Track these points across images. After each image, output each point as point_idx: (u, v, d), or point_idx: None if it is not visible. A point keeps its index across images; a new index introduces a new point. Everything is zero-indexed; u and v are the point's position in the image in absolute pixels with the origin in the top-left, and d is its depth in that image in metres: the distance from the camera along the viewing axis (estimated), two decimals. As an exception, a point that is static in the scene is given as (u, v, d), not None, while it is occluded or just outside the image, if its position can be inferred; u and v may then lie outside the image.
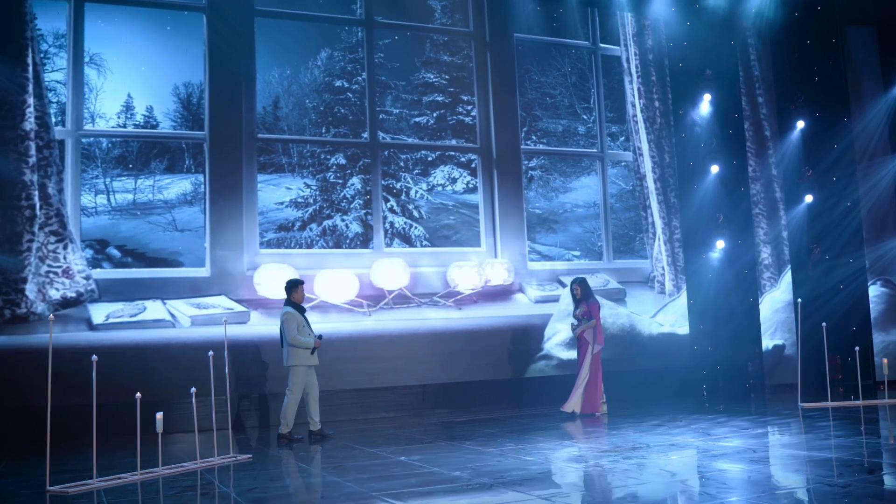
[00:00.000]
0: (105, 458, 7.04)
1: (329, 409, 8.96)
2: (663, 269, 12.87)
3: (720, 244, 12.25)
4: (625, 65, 13.10)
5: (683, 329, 12.68)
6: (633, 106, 13.05)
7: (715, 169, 12.27)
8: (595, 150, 12.91)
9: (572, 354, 12.02)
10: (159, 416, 6.62)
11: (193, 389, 7.09)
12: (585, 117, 12.88)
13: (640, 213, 12.97)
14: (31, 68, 9.90)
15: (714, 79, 12.50)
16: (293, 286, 8.93)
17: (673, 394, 11.76)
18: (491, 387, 11.53)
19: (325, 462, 7.28)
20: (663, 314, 12.77)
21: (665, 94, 13.12)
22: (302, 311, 8.87)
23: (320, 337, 8.80)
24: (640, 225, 12.96)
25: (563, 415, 9.77)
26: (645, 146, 12.99)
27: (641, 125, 13.02)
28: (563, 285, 12.16)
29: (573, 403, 9.77)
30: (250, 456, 7.45)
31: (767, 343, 12.55)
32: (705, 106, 12.45)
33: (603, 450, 7.00)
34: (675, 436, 7.69)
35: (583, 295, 10.02)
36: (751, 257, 12.46)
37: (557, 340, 11.93)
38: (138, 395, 6.53)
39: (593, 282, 12.40)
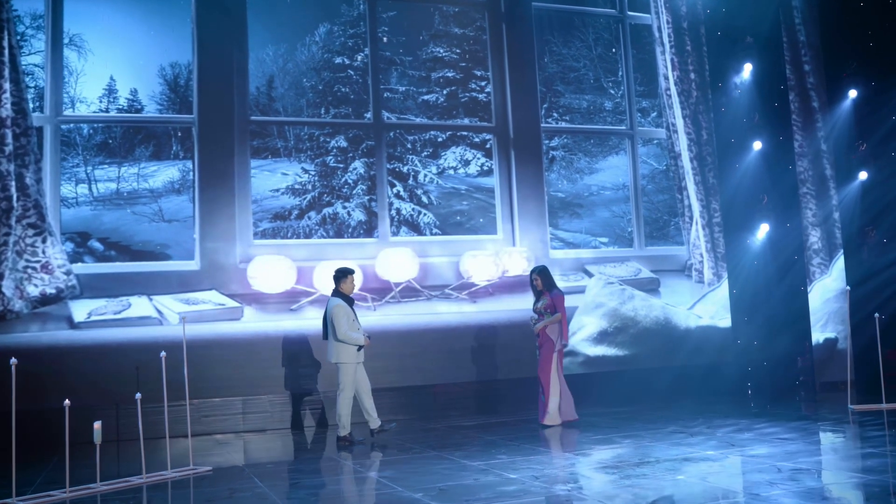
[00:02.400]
0: (71, 470, 6.37)
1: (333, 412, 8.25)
2: (701, 255, 11.77)
3: (764, 228, 11.02)
4: (656, 34, 12.01)
5: (725, 321, 11.53)
6: (667, 79, 11.95)
7: (758, 145, 11.05)
8: (624, 128, 11.86)
9: (599, 350, 11.08)
10: (97, 425, 5.95)
11: (139, 395, 6.38)
12: (613, 92, 11.84)
13: (675, 196, 11.88)
14: (6, 52, 9.31)
15: (756, 46, 11.26)
16: (343, 275, 8.22)
17: (712, 393, 10.62)
18: (509, 387, 10.55)
19: (286, 477, 6.50)
20: (702, 305, 11.69)
21: (702, 64, 11.96)
22: (350, 302, 8.15)
23: (369, 336, 8.13)
24: (675, 208, 11.88)
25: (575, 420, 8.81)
26: (680, 122, 11.88)
27: (676, 99, 11.91)
28: (590, 275, 11.21)
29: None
30: (210, 468, 6.69)
31: (818, 336, 11.34)
32: (746, 76, 11.26)
33: (603, 465, 6.05)
34: (694, 446, 6.68)
35: (544, 286, 8.92)
36: (798, 241, 11.20)
37: (584, 335, 10.96)
38: (67, 402, 5.82)
39: (623, 270, 11.45)
